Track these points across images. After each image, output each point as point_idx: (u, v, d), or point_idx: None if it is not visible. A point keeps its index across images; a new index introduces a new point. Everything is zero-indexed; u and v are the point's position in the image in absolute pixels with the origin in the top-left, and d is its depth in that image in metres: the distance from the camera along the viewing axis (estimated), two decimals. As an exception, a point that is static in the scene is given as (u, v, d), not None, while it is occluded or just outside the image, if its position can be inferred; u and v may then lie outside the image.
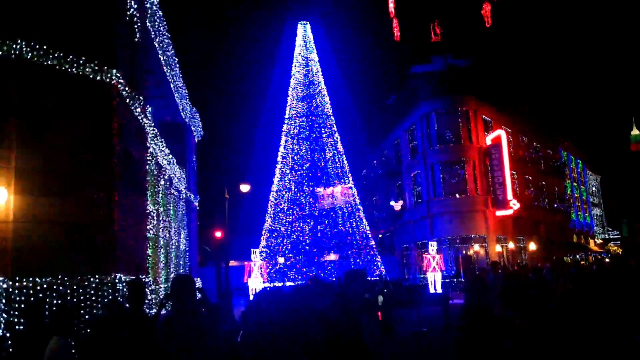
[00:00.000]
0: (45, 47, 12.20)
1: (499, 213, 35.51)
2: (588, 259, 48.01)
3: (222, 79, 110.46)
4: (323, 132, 37.55)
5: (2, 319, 10.50)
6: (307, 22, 40.99)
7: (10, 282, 10.85)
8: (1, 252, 11.15)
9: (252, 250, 28.50)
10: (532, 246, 38.37)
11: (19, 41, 11.80)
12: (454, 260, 34.61)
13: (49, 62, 12.28)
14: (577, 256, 48.01)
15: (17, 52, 11.77)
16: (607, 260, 39.24)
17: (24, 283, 11.00)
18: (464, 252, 34.91)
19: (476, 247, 34.72)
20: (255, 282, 26.17)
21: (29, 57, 11.93)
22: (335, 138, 37.49)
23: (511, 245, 36.54)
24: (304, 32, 40.63)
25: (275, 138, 39.87)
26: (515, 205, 35.07)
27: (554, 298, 14.25)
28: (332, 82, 47.06)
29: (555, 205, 44.50)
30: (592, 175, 67.99)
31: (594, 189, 68.14)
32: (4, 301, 10.66)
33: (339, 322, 6.06)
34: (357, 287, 17.33)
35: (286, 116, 38.58)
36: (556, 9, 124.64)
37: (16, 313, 10.57)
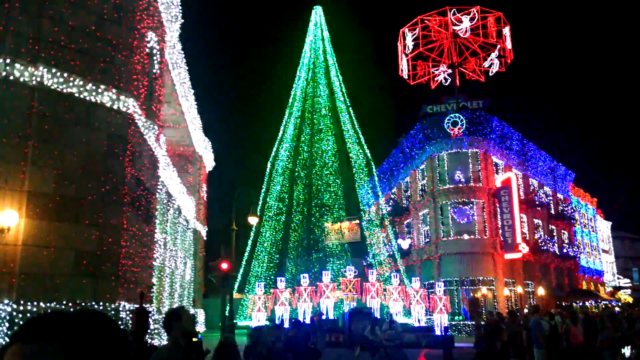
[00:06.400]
0: (65, 75, 12.48)
1: (508, 256, 35.09)
2: (598, 307, 47.02)
3: (237, 109, 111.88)
4: (340, 166, 37.91)
5: (4, 342, 10.43)
6: (329, 58, 41.40)
7: (15, 306, 10.83)
8: (8, 275, 11.17)
9: (257, 283, 28.34)
10: (541, 291, 37.71)
11: (41, 68, 12.10)
12: (461, 302, 34.03)
13: (69, 90, 12.55)
14: (587, 303, 47.07)
15: (39, 79, 12.05)
16: (617, 309, 38.41)
17: (28, 307, 10.98)
18: (471, 294, 34.37)
19: (484, 289, 34.19)
20: (259, 316, 25.89)
21: (49, 83, 12.21)
22: (352, 169, 37.77)
23: (519, 289, 35.94)
24: (320, 62, 41.10)
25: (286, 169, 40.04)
26: (524, 248, 34.67)
27: (567, 344, 13.98)
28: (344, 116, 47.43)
29: (564, 251, 43.89)
30: (603, 221, 67.26)
31: (604, 235, 67.29)
32: (7, 324, 10.62)
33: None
34: (361, 327, 17.10)
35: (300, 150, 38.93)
36: (570, 51, 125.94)
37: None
